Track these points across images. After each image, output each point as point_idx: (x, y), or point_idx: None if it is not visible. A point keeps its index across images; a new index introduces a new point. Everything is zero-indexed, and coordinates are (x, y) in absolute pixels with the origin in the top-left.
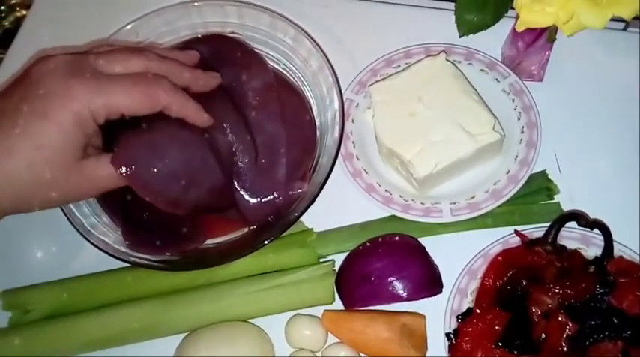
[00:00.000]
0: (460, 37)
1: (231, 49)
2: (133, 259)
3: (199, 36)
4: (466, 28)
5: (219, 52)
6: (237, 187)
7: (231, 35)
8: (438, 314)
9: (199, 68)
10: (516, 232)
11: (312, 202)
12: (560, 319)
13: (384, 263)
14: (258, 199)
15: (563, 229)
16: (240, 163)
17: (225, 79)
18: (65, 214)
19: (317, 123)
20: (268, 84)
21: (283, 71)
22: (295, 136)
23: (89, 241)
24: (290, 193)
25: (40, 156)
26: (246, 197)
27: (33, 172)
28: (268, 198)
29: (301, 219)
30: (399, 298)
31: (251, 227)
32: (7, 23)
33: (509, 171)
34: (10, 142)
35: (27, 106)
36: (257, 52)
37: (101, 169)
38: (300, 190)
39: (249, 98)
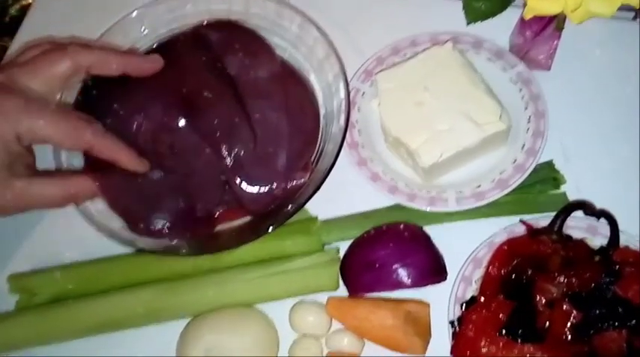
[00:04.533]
0: (467, 24)
1: (239, 36)
2: (138, 245)
3: (207, 22)
4: (474, 15)
5: (227, 39)
6: (236, 177)
7: (240, 22)
8: (442, 302)
9: (205, 53)
10: (522, 222)
11: (317, 189)
12: (564, 308)
13: (389, 251)
14: (257, 189)
15: (569, 218)
16: (237, 153)
17: (230, 66)
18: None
19: (322, 111)
20: (274, 73)
21: (289, 59)
22: (298, 127)
23: (95, 227)
24: (291, 183)
25: None
26: (245, 187)
27: None
28: (267, 188)
29: (306, 207)
30: (403, 286)
31: (250, 216)
32: (12, 11)
33: (515, 160)
34: None
35: None
36: (265, 40)
37: (33, 190)
38: (301, 181)
39: (253, 87)
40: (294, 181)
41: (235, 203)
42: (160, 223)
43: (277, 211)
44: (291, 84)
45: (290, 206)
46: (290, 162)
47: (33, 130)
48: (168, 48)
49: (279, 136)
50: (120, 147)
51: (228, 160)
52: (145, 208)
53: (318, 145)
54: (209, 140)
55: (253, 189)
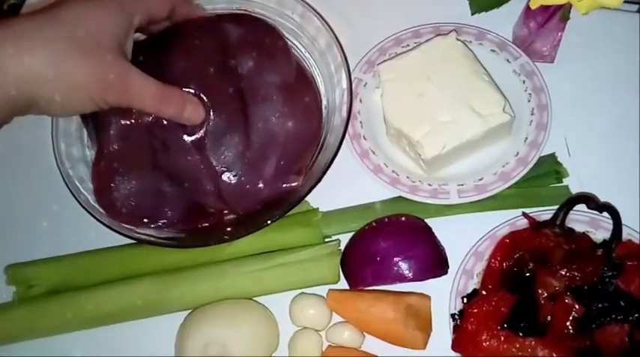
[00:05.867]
0: (472, 15)
1: (261, 34)
2: (137, 235)
3: (230, 13)
4: (478, 6)
5: (248, 35)
6: (222, 177)
7: (265, 18)
8: (443, 295)
9: (219, 46)
10: (524, 215)
11: (318, 181)
12: (566, 301)
13: (390, 243)
14: (241, 191)
15: (571, 212)
16: (226, 155)
17: (243, 65)
18: (70, 190)
19: (324, 102)
20: (286, 80)
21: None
22: (298, 134)
23: (94, 216)
24: (283, 186)
25: (83, 32)
26: (229, 187)
27: (74, 44)
28: (252, 190)
29: (307, 198)
30: (404, 279)
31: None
32: None
33: (518, 153)
34: (55, 14)
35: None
36: (285, 42)
37: (133, 77)
38: (294, 184)
39: (261, 90)
40: (288, 184)
41: (222, 202)
42: (161, 217)
43: (265, 212)
44: (301, 90)
45: (292, 198)
46: (283, 166)
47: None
48: (180, 31)
49: (273, 142)
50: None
51: (215, 161)
52: (145, 203)
53: (317, 146)
54: (200, 139)
55: (237, 190)
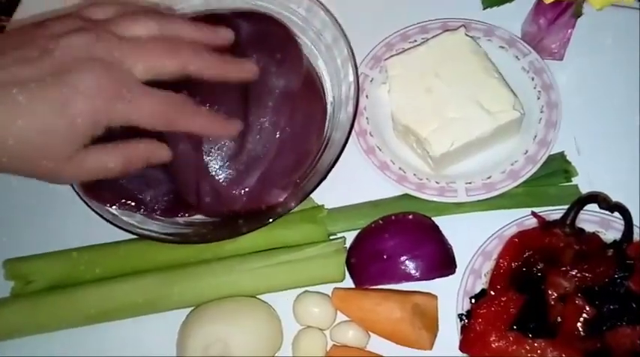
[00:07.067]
0: (484, 9)
1: (272, 36)
2: (139, 231)
3: (243, 10)
4: (490, 0)
5: (258, 35)
6: (206, 177)
7: (277, 19)
8: (450, 295)
9: (235, 43)
10: (533, 214)
11: (324, 178)
12: (577, 302)
13: (397, 242)
14: (218, 195)
15: (581, 211)
16: (215, 157)
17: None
18: (71, 185)
19: (330, 98)
20: (293, 87)
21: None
22: (292, 147)
23: (95, 212)
24: (264, 199)
25: (41, 138)
26: (208, 189)
27: (29, 148)
28: (228, 197)
29: (312, 195)
30: (410, 278)
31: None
32: None
33: (527, 151)
34: (16, 110)
35: (48, 81)
36: (298, 46)
37: (90, 161)
38: (277, 199)
39: (265, 95)
40: (270, 198)
41: (198, 201)
42: (144, 202)
43: (241, 222)
44: (307, 99)
45: (298, 194)
46: (269, 180)
47: (127, 118)
48: None
49: (264, 154)
50: (216, 119)
51: (208, 160)
52: (129, 186)
53: (310, 163)
54: (198, 138)
55: (215, 193)
